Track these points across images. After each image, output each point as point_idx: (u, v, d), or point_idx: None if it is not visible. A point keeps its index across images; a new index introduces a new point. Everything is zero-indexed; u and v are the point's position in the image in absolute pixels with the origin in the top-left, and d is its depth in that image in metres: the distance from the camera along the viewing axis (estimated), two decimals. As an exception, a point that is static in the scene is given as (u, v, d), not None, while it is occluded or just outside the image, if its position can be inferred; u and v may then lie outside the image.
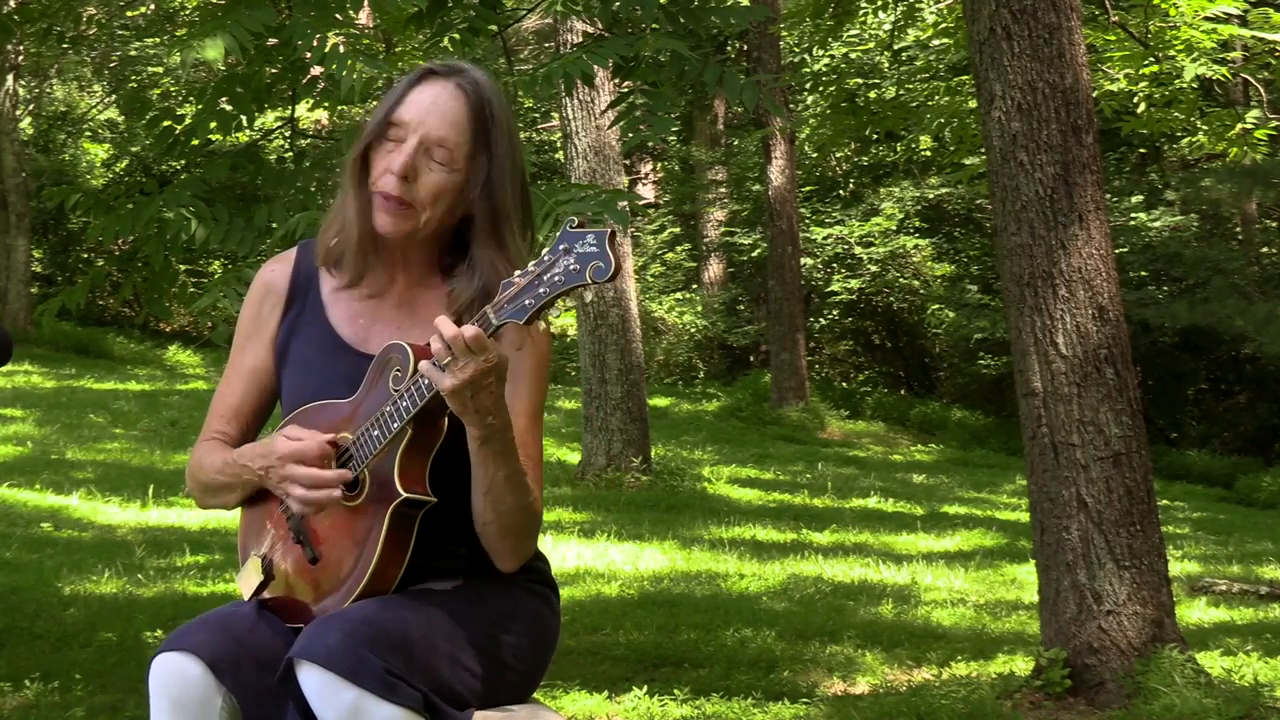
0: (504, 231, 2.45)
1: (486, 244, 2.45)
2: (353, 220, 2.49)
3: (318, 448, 2.37)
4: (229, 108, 4.84)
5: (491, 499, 2.37)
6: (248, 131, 5.16)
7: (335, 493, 2.36)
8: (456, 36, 4.88)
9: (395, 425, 2.32)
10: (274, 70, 4.96)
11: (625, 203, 4.65)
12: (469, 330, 2.21)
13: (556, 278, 2.16)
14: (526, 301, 2.19)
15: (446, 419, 2.37)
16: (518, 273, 2.21)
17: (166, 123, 4.89)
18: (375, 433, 2.35)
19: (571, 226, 2.17)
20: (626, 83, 4.91)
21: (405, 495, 2.34)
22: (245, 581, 2.55)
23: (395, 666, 2.23)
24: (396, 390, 2.33)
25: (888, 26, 14.57)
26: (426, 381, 2.27)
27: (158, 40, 21.19)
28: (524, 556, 2.47)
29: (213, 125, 4.81)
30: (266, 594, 2.51)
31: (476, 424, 2.29)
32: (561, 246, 2.16)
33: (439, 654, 2.31)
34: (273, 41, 4.77)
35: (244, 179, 5.10)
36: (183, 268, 5.19)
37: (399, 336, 2.47)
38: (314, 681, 2.22)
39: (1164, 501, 12.26)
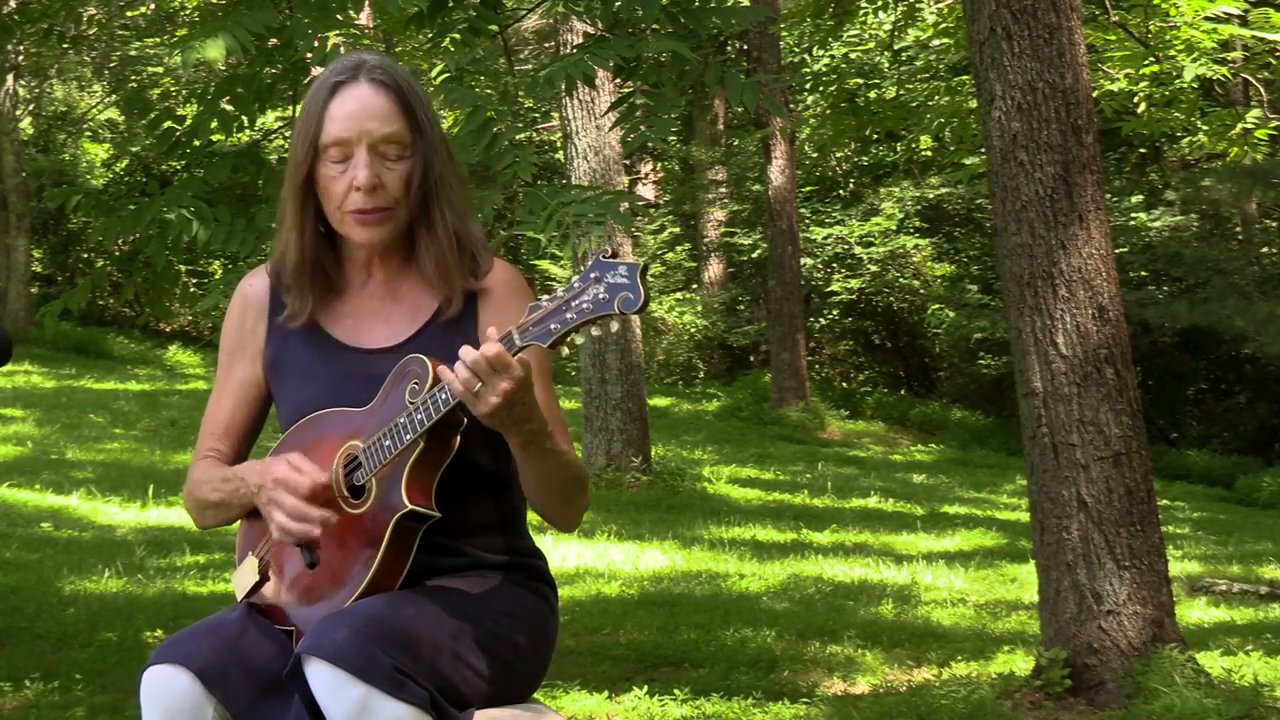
0: (431, 207, 2.47)
1: (435, 213, 2.47)
2: (299, 251, 2.50)
3: (309, 484, 2.37)
4: (230, 108, 4.84)
5: (544, 486, 2.42)
6: (249, 132, 5.16)
7: (314, 530, 2.37)
8: (457, 37, 4.88)
9: (408, 437, 2.33)
10: (274, 71, 4.96)
11: (627, 205, 4.63)
12: (490, 349, 2.22)
13: (585, 305, 2.17)
14: (552, 326, 2.19)
15: (458, 438, 2.38)
16: (545, 297, 2.22)
17: (168, 123, 4.89)
18: (387, 442, 2.35)
19: (604, 256, 2.18)
20: (627, 84, 4.91)
21: (410, 508, 2.34)
22: (240, 581, 2.55)
23: (403, 664, 2.24)
24: (413, 403, 2.33)
25: (888, 26, 14.57)
26: (444, 396, 2.28)
27: (158, 40, 21.20)
28: (581, 512, 2.51)
29: (214, 125, 4.80)
30: (261, 595, 2.51)
31: (516, 433, 2.31)
32: (593, 275, 2.17)
33: (444, 652, 2.32)
34: (273, 42, 4.76)
35: (245, 179, 5.10)
36: (184, 268, 5.19)
37: (388, 327, 2.50)
38: (323, 678, 2.23)
39: (1164, 501, 12.26)
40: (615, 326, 2.18)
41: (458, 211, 2.48)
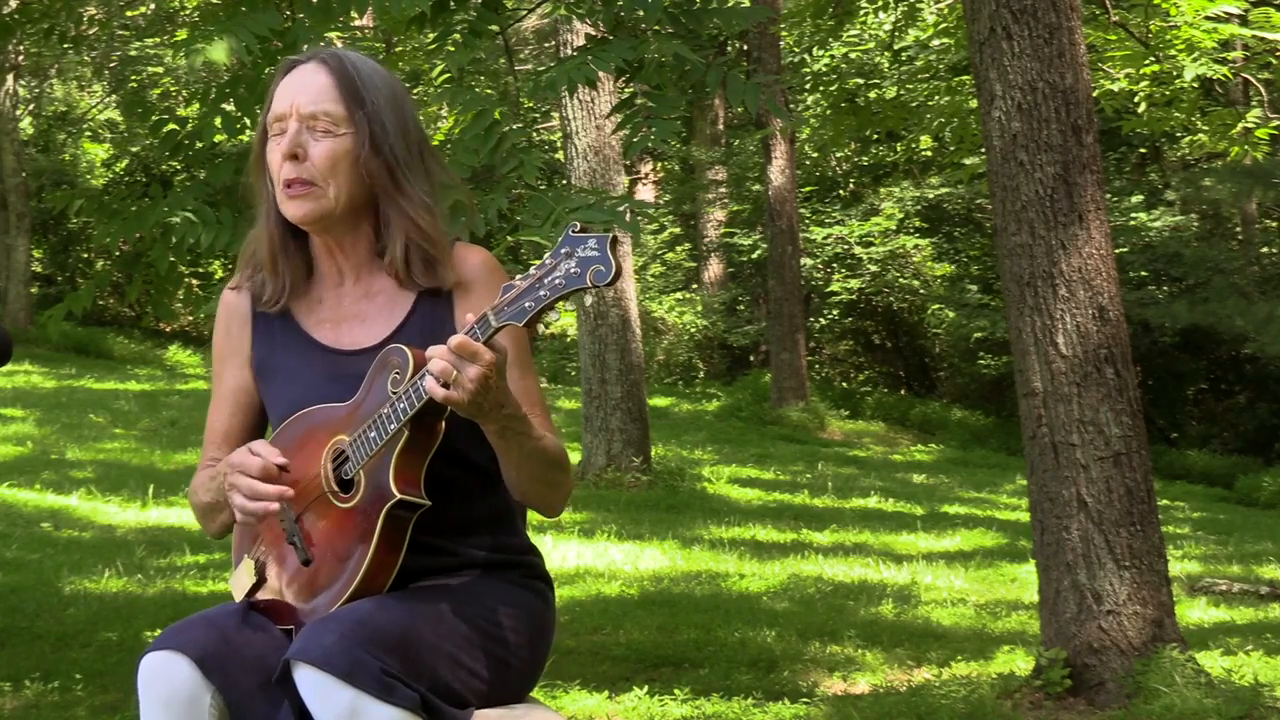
0: (401, 180, 2.46)
1: (391, 198, 2.46)
2: (266, 232, 2.53)
3: (259, 464, 2.38)
4: (231, 107, 4.84)
5: (525, 472, 2.40)
6: (251, 133, 5.16)
7: (271, 505, 2.37)
8: (458, 38, 4.87)
9: (392, 427, 2.33)
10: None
11: (634, 210, 4.62)
12: (454, 339, 2.22)
13: (557, 281, 2.17)
14: (526, 304, 2.20)
15: (443, 423, 2.38)
16: (519, 276, 2.23)
17: (171, 125, 4.89)
18: (372, 434, 2.36)
19: (574, 231, 2.19)
20: (630, 86, 4.91)
21: (400, 497, 2.34)
22: (238, 583, 2.57)
23: (392, 667, 2.24)
24: (394, 393, 2.34)
25: (888, 26, 14.58)
26: (425, 383, 2.29)
27: (158, 40, 21.19)
28: (566, 498, 2.51)
29: (218, 122, 4.81)
30: (258, 596, 2.53)
31: (493, 420, 2.31)
32: (563, 250, 2.18)
33: (437, 653, 2.32)
34: (276, 44, 4.77)
35: (247, 181, 5.09)
36: (186, 270, 5.19)
37: (365, 327, 2.51)
38: (311, 682, 2.23)
39: (1164, 501, 12.27)
40: (589, 300, 2.19)
41: (417, 204, 2.46)
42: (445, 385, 2.24)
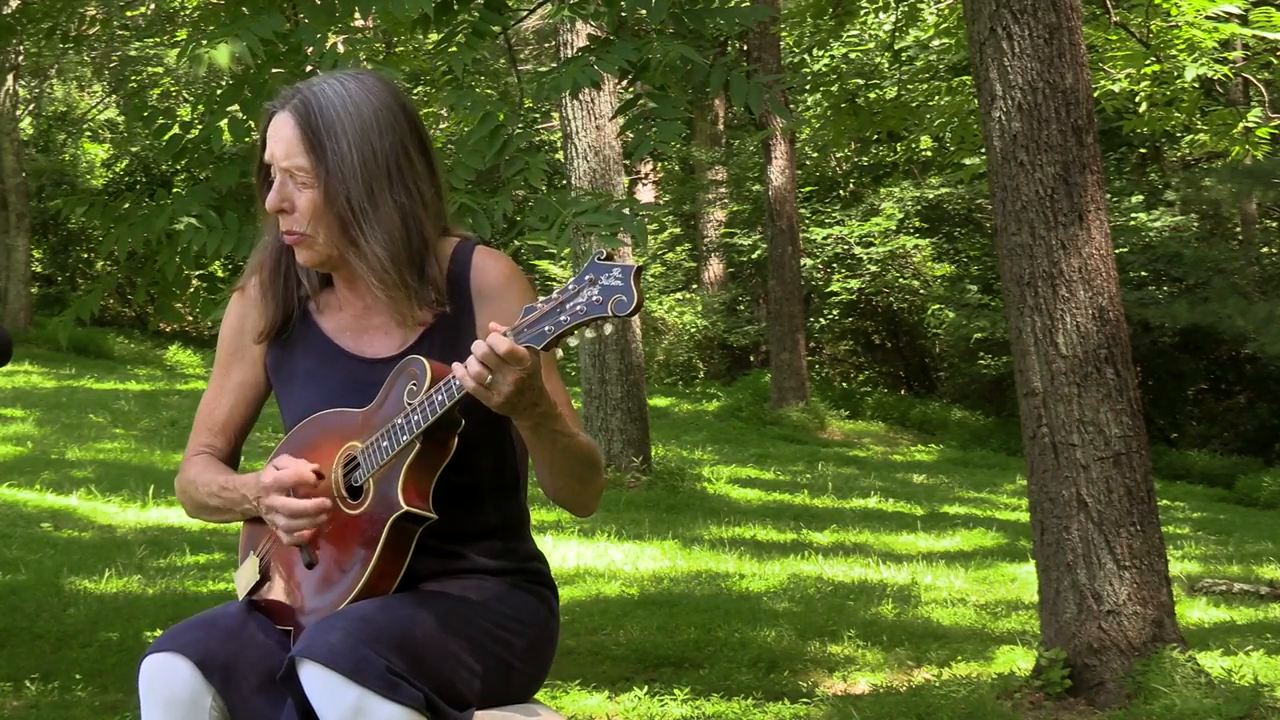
0: (352, 234, 2.43)
1: (347, 248, 2.44)
2: (268, 245, 2.58)
3: (293, 474, 2.39)
4: (236, 109, 4.83)
5: (559, 469, 2.41)
6: (255, 136, 5.16)
7: (315, 520, 2.39)
8: (461, 39, 4.87)
9: (404, 438, 2.34)
10: (280, 71, 4.96)
11: (642, 214, 4.62)
12: (501, 345, 2.22)
13: (579, 307, 2.17)
14: (546, 328, 2.20)
15: (456, 438, 2.38)
16: (541, 299, 2.23)
17: (175, 130, 4.88)
18: (385, 444, 2.36)
19: (600, 258, 2.19)
20: (632, 87, 4.91)
21: (406, 509, 2.35)
22: (242, 580, 2.58)
23: (397, 666, 2.25)
24: (410, 404, 2.34)
25: (888, 27, 14.58)
26: (440, 397, 2.29)
27: (158, 40, 21.18)
28: (598, 494, 2.51)
29: (224, 124, 4.80)
30: (261, 594, 2.53)
31: (527, 417, 2.32)
32: (587, 277, 2.17)
33: (440, 653, 2.33)
34: (282, 47, 4.77)
35: (251, 182, 5.09)
36: (190, 271, 5.19)
37: (388, 338, 2.50)
38: (316, 680, 2.24)
39: (1164, 501, 12.26)
40: (609, 329, 2.18)
41: (370, 260, 2.43)
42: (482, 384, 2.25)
